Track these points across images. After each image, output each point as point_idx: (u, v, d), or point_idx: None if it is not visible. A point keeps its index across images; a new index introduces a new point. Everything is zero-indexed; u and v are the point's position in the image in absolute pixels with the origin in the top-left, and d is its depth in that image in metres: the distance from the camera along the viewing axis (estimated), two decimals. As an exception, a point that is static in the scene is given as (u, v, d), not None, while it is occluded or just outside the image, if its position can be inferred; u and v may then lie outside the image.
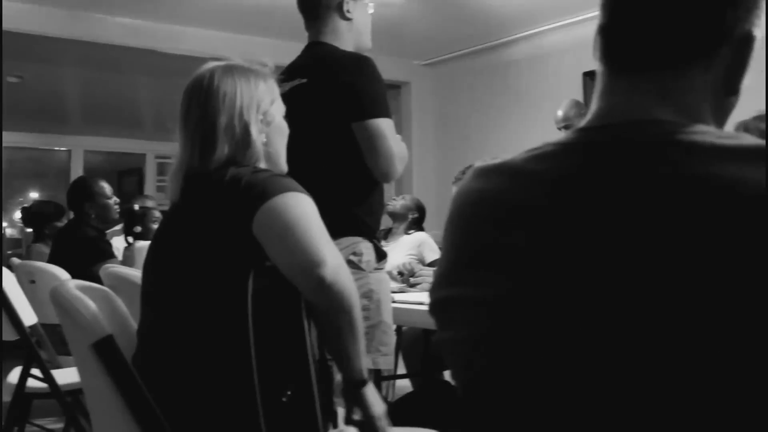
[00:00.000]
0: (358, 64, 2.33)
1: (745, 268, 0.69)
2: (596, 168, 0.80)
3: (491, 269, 0.84)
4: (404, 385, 4.21)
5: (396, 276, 3.38)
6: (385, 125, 2.29)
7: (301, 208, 1.50)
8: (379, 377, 3.26)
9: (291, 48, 2.61)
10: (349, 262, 2.23)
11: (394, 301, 2.59)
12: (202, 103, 1.64)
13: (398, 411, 3.30)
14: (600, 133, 0.85)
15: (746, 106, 1.01)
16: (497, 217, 0.86)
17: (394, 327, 3.95)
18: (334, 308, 1.47)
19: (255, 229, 1.47)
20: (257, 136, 1.66)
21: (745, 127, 2.47)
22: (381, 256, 2.40)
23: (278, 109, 1.76)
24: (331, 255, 1.45)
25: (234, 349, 1.42)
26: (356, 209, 2.35)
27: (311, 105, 2.31)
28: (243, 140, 1.64)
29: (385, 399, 3.87)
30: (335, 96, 2.29)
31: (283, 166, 1.78)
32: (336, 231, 2.23)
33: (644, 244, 0.73)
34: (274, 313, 1.44)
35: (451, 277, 0.90)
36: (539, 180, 0.84)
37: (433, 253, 4.44)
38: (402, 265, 3.51)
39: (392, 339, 2.38)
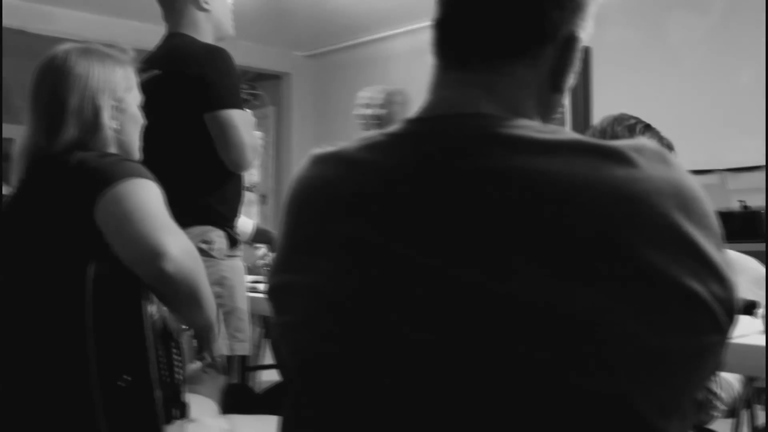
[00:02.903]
0: (210, 56, 2.36)
1: (560, 262, 0.72)
2: (418, 159, 0.82)
3: (324, 256, 0.85)
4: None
5: (262, 268, 3.40)
6: (236, 116, 2.33)
7: (144, 195, 1.48)
8: (244, 366, 3.26)
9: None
10: (200, 251, 2.25)
11: (256, 291, 2.61)
12: (53, 82, 1.60)
13: (266, 401, 3.31)
14: (426, 124, 0.87)
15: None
16: (330, 204, 0.87)
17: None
18: (178, 293, 1.47)
19: (97, 214, 1.45)
20: (108, 121, 1.63)
21: (601, 129, 2.52)
22: (234, 243, 2.44)
23: (134, 98, 1.73)
24: (171, 244, 1.44)
25: (70, 335, 1.39)
26: (208, 198, 2.38)
27: (165, 96, 2.31)
28: (92, 124, 1.60)
29: (252, 389, 3.85)
30: (186, 87, 2.32)
31: (136, 155, 1.75)
32: (187, 220, 2.24)
33: (457, 235, 0.76)
34: (114, 299, 1.42)
35: (287, 263, 0.91)
36: (369, 169, 0.85)
37: None
38: (268, 256, 3.52)
39: (248, 325, 2.42)
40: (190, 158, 2.36)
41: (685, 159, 2.49)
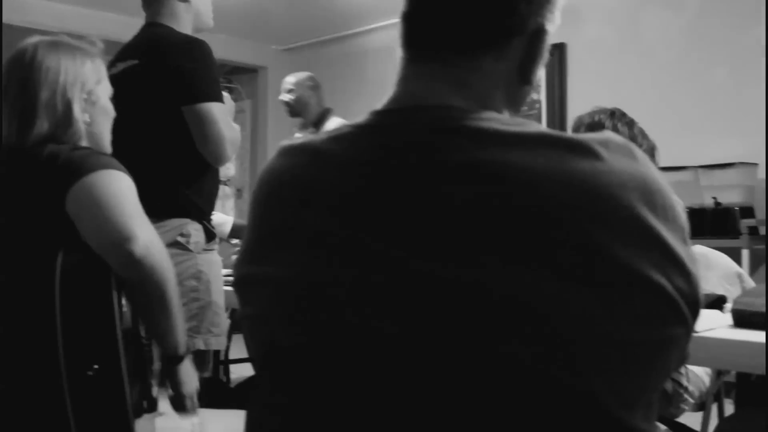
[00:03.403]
0: (190, 48, 2.32)
1: (525, 253, 0.72)
2: (384, 151, 0.82)
3: (290, 247, 0.85)
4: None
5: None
6: (215, 109, 2.29)
7: (116, 185, 1.48)
8: (218, 360, 3.25)
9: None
10: (177, 244, 2.24)
11: (230, 285, 2.59)
12: (23, 76, 1.60)
13: (239, 395, 3.29)
14: (392, 116, 0.87)
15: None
16: (296, 196, 0.87)
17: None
18: (146, 283, 1.47)
19: (68, 205, 1.45)
20: (80, 114, 1.62)
21: (598, 120, 2.50)
22: (210, 237, 2.40)
23: (104, 90, 1.72)
24: (142, 231, 1.44)
25: (40, 324, 1.39)
26: (186, 191, 2.34)
27: (142, 87, 2.29)
28: (64, 117, 1.60)
29: (225, 383, 3.83)
30: (165, 79, 2.28)
31: (107, 148, 1.74)
32: (164, 212, 2.21)
33: (423, 227, 0.76)
34: (84, 289, 1.41)
35: (253, 255, 0.91)
36: (335, 161, 0.85)
37: None
38: None
39: (223, 319, 2.38)
40: (168, 150, 2.32)
41: (659, 155, 2.52)
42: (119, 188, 1.48)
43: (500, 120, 0.81)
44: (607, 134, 0.80)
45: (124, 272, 1.45)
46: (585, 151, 0.76)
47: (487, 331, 0.72)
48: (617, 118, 2.41)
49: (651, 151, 2.39)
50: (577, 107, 3.36)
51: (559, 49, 5.24)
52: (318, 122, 4.55)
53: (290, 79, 4.60)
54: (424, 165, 0.79)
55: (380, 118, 0.87)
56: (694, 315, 0.79)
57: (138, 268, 1.44)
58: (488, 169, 0.75)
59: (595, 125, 2.37)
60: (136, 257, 1.42)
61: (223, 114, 2.32)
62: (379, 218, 0.79)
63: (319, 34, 6.94)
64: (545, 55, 0.92)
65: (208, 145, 2.28)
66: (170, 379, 1.65)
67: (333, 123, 4.48)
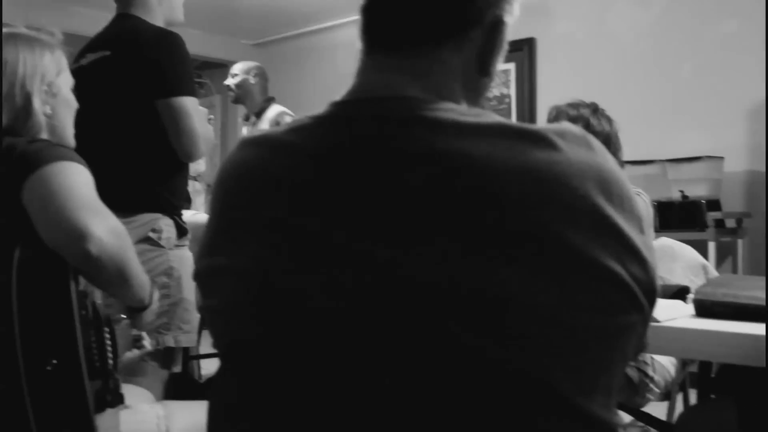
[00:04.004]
0: (164, 41, 2.29)
1: (481, 241, 0.73)
2: (342, 141, 0.83)
3: (249, 238, 0.84)
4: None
5: None
6: (189, 104, 2.27)
7: (70, 177, 1.45)
8: (188, 356, 3.22)
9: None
10: (148, 239, 2.21)
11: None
12: None
13: (207, 390, 3.27)
14: (351, 107, 0.87)
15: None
16: (253, 187, 0.87)
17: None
18: (106, 277, 1.46)
19: (24, 198, 1.42)
20: (40, 107, 1.60)
21: (578, 114, 2.54)
22: (182, 232, 2.38)
23: (65, 82, 1.70)
24: (96, 226, 1.41)
25: None
26: (158, 186, 2.32)
27: (114, 79, 2.26)
28: (24, 110, 1.58)
29: (194, 378, 3.79)
30: (138, 72, 2.25)
31: (69, 140, 1.72)
32: (135, 207, 2.18)
33: (380, 216, 0.76)
34: (41, 283, 1.39)
35: (213, 246, 0.90)
36: (293, 152, 0.85)
37: None
38: None
39: (194, 316, 2.36)
40: (140, 143, 2.29)
41: (628, 149, 2.56)
42: (74, 181, 1.46)
43: (457, 110, 0.81)
44: (565, 125, 0.81)
45: (82, 268, 1.43)
46: (542, 141, 0.76)
47: (445, 319, 0.72)
48: (600, 115, 2.46)
49: (617, 151, 2.44)
50: (546, 101, 3.38)
51: (529, 44, 5.26)
52: (260, 112, 4.60)
53: (237, 66, 4.69)
54: (381, 154, 0.79)
55: (339, 109, 0.87)
56: (651, 303, 0.80)
57: (95, 264, 1.42)
58: (445, 159, 0.76)
59: (577, 119, 2.40)
60: (91, 255, 1.40)
61: (196, 109, 2.30)
62: (336, 207, 0.79)
63: (289, 29, 6.92)
64: (504, 47, 0.93)
65: (181, 140, 2.26)
66: (134, 321, 1.69)
67: (273, 111, 4.56)
